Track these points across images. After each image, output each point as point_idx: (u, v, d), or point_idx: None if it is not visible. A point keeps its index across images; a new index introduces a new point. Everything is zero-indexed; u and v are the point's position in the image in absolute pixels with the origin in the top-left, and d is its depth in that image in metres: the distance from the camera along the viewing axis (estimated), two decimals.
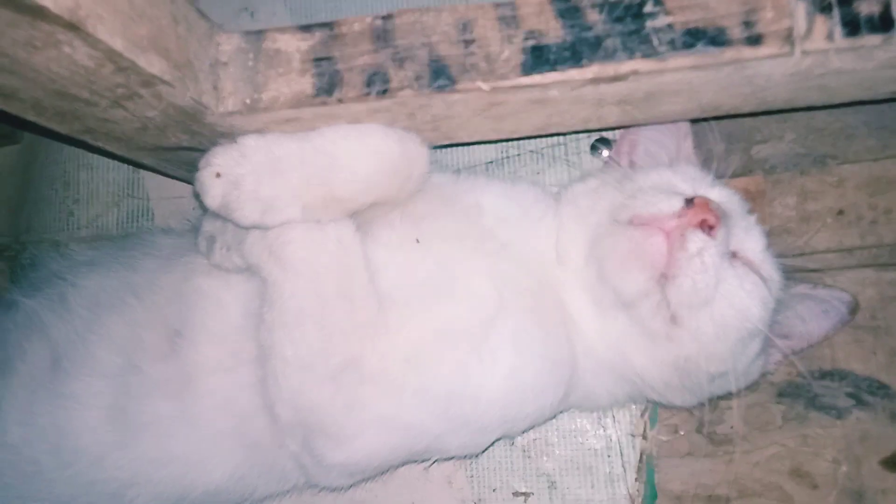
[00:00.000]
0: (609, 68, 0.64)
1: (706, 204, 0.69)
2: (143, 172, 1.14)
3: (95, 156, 1.15)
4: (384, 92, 0.67)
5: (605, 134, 0.97)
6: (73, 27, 0.50)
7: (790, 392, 0.92)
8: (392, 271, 0.77)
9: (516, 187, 0.86)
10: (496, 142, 0.86)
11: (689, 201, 0.69)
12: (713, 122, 0.94)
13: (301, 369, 0.72)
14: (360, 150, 0.72)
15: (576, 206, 0.82)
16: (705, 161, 0.96)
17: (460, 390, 0.74)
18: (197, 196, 0.72)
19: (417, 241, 0.77)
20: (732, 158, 0.95)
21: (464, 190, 0.84)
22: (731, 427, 0.92)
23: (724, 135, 0.96)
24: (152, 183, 1.14)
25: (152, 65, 0.58)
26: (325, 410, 0.73)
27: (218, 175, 0.70)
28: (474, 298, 0.76)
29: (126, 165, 1.14)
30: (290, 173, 0.70)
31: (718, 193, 0.75)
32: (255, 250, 0.74)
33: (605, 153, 0.97)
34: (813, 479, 0.89)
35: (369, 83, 0.67)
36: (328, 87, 0.68)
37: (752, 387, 0.83)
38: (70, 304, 0.89)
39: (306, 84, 0.68)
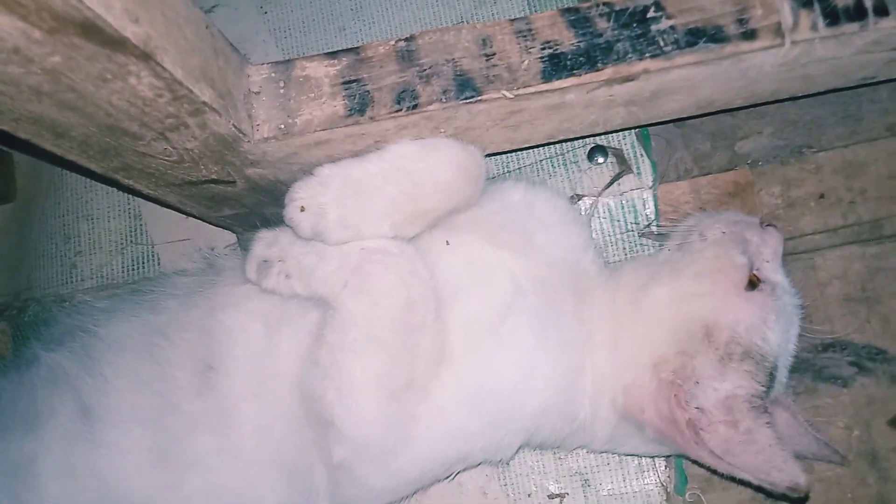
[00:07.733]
0: (623, 69, 0.69)
1: None
2: (144, 219, 1.14)
3: (96, 206, 1.16)
4: (414, 107, 0.71)
5: (599, 141, 1.03)
6: (146, 57, 0.52)
7: (797, 367, 0.97)
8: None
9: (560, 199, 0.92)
10: (505, 153, 0.90)
11: None
12: (699, 126, 1.02)
13: (366, 389, 0.74)
14: (438, 161, 0.76)
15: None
16: (694, 160, 1.04)
17: (486, 382, 0.78)
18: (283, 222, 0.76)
19: (448, 243, 0.81)
20: (719, 155, 1.03)
21: (508, 188, 0.89)
22: None
23: (709, 134, 1.04)
24: (154, 228, 1.15)
25: (204, 93, 0.61)
26: (381, 428, 0.75)
27: (302, 209, 0.74)
28: (494, 287, 0.80)
29: (127, 213, 1.15)
30: (375, 197, 0.74)
31: None
32: (330, 282, 0.76)
33: (601, 160, 1.03)
34: None
35: (399, 100, 0.71)
36: (360, 106, 0.71)
37: None
38: (94, 354, 0.89)
39: (338, 106, 0.71)
